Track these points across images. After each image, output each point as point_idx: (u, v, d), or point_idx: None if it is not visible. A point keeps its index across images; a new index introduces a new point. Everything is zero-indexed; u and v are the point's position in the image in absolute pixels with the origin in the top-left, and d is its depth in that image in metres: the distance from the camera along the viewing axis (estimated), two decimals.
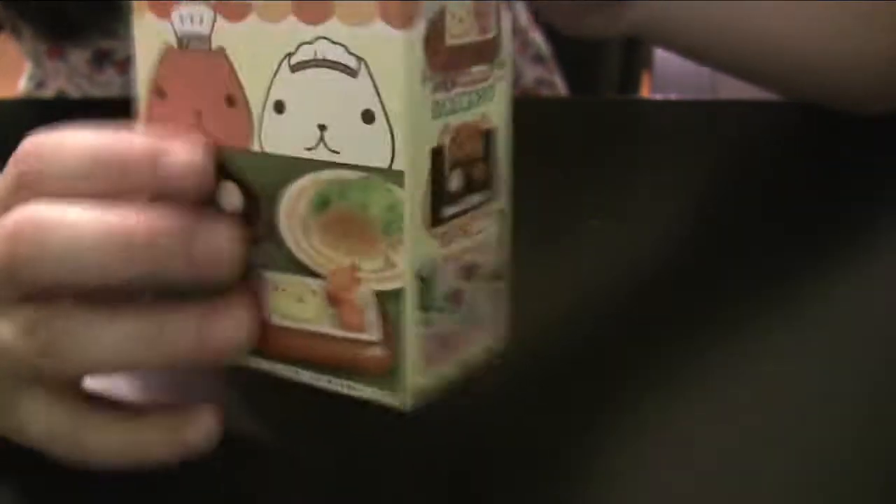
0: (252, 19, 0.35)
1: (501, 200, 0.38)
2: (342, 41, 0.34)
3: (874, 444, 0.45)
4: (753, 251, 0.56)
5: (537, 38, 0.80)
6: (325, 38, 0.34)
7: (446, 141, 0.35)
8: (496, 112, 0.37)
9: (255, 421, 0.43)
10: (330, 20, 0.34)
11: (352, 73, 0.34)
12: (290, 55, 0.35)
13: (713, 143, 0.63)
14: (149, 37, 0.37)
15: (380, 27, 0.33)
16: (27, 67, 0.78)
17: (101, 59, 0.71)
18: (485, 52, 0.36)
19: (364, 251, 0.35)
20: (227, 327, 0.35)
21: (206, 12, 0.36)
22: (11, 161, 0.36)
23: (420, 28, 0.33)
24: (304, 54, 0.35)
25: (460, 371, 0.38)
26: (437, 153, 0.35)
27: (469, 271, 0.38)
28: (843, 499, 0.43)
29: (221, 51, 0.36)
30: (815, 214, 0.59)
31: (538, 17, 0.59)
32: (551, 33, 0.81)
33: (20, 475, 0.39)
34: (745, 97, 0.70)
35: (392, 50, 0.33)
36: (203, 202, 0.35)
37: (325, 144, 0.35)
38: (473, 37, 0.35)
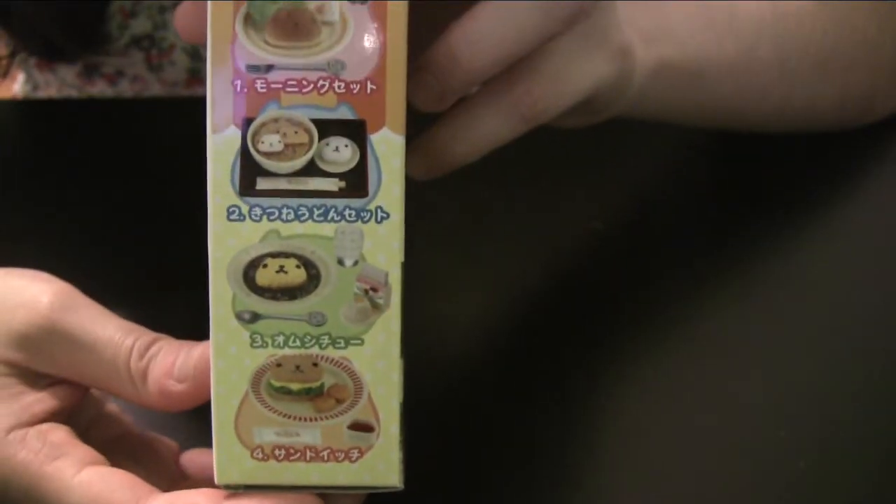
0: None
1: None
2: None
3: (860, 441, 0.45)
4: (746, 253, 0.57)
5: None
6: None
7: None
8: None
9: None
10: None
11: None
12: None
13: (714, 143, 0.63)
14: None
15: None
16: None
17: (90, 72, 0.71)
18: None
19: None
20: None
21: None
22: None
23: None
24: None
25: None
26: None
27: None
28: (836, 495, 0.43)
29: None
30: (817, 215, 0.59)
31: None
32: None
33: None
34: None
35: None
36: None
37: None
38: None
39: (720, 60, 0.54)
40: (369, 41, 0.34)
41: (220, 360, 0.35)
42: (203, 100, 0.39)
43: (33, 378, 0.39)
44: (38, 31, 0.63)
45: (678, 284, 0.54)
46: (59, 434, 0.38)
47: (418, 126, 0.39)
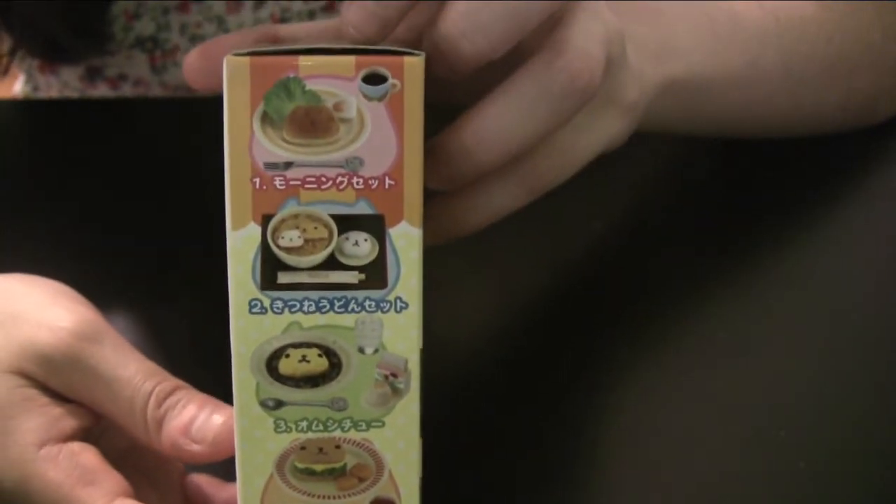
0: None
1: None
2: None
3: (857, 439, 0.45)
4: (745, 252, 0.57)
5: None
6: None
7: None
8: None
9: None
10: None
11: None
12: None
13: (714, 143, 0.63)
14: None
15: None
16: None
17: (92, 75, 0.71)
18: None
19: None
20: None
21: None
22: None
23: None
24: None
25: None
26: None
27: None
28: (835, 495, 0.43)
29: None
30: (818, 216, 0.59)
31: None
32: None
33: None
34: None
35: None
36: None
37: None
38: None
39: (726, 73, 0.53)
40: (387, 137, 0.34)
41: (245, 443, 0.36)
42: (205, 99, 0.39)
43: (53, 393, 0.39)
44: (41, 30, 0.63)
45: (678, 285, 0.54)
46: (89, 456, 0.38)
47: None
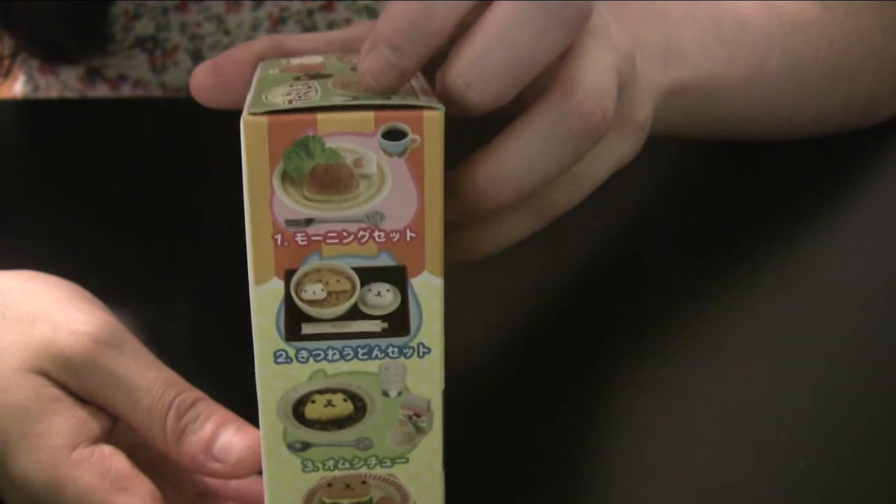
0: None
1: None
2: None
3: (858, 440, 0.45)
4: (745, 252, 0.57)
5: None
6: None
7: None
8: None
9: None
10: None
11: None
12: None
13: (714, 144, 0.63)
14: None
15: None
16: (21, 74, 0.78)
17: (92, 75, 0.71)
18: None
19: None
20: None
21: None
22: None
23: None
24: None
25: None
26: None
27: None
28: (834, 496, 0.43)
29: None
30: (818, 217, 0.59)
31: None
32: None
33: None
34: None
35: None
36: None
37: None
38: None
39: (732, 77, 0.54)
40: (407, 191, 0.34)
41: (274, 483, 0.37)
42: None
43: (73, 394, 0.39)
44: (41, 31, 0.63)
45: (679, 285, 0.54)
46: (121, 461, 0.38)
47: None
